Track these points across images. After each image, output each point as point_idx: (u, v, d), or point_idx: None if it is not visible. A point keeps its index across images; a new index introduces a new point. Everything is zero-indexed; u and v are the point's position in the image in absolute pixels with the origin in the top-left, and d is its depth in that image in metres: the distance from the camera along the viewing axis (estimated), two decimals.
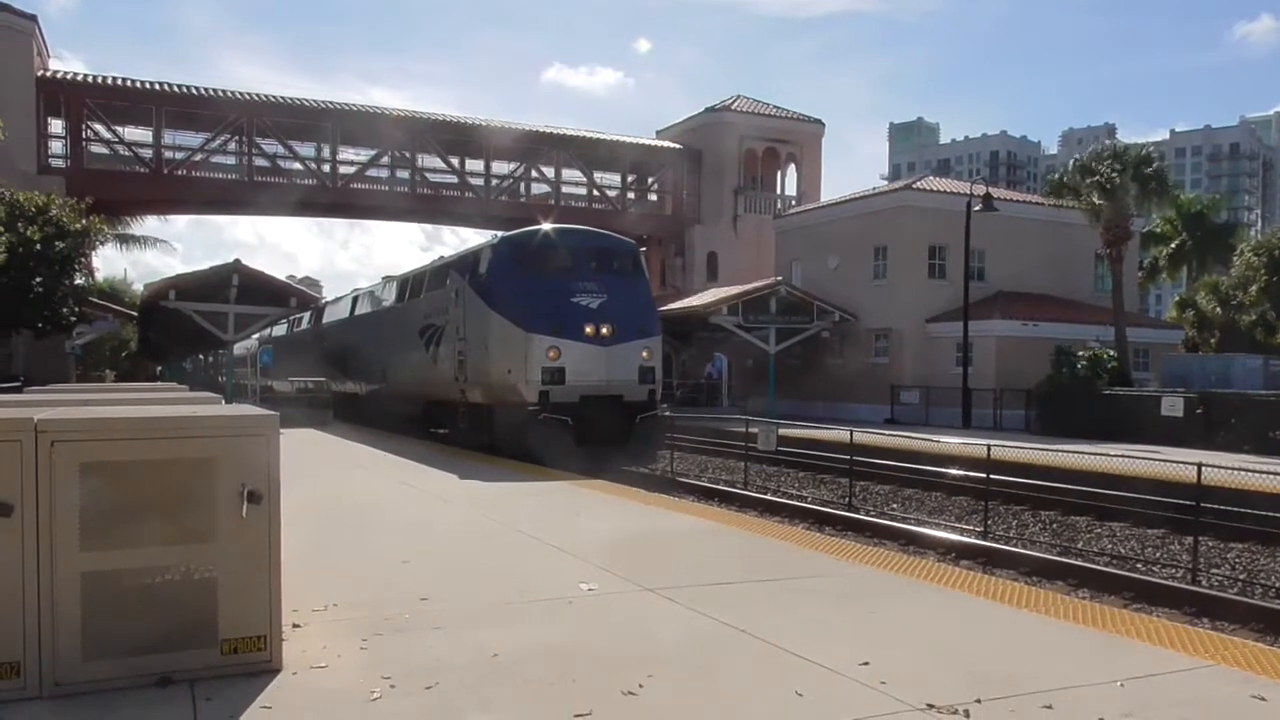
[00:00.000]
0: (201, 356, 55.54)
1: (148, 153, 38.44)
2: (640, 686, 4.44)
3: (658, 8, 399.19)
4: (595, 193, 45.58)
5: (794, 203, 47.20)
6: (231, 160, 40.47)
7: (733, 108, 48.05)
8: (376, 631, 5.32)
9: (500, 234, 19.31)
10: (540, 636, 5.29)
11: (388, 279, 26.94)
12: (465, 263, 19.39)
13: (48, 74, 37.22)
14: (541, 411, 16.20)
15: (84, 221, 25.31)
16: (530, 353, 16.46)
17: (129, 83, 38.34)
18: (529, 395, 16.36)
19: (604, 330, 16.75)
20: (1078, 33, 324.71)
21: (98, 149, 38.54)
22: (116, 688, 4.24)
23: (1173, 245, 48.87)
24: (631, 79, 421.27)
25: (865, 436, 18.59)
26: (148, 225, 46.35)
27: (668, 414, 19.33)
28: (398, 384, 23.56)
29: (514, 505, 10.76)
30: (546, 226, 18.99)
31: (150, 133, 38.55)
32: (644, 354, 17.23)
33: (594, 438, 16.19)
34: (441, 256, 22.45)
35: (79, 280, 26.87)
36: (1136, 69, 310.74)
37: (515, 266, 17.65)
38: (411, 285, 23.22)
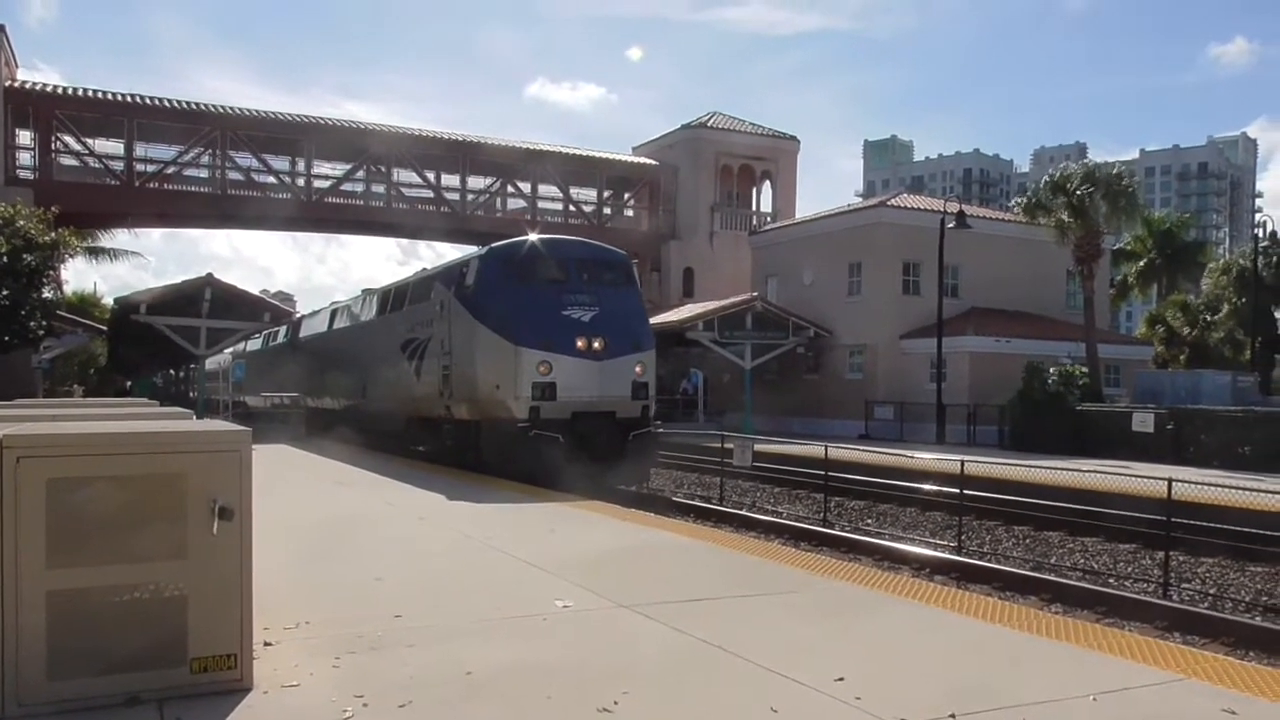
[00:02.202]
0: (173, 371, 55.03)
1: (119, 165, 38.15)
2: (615, 703, 4.42)
3: (639, 25, 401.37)
4: (572, 208, 45.66)
5: (769, 219, 47.45)
6: (205, 174, 40.21)
7: (709, 124, 48.30)
8: (350, 649, 5.26)
9: (489, 245, 18.68)
10: (515, 653, 5.25)
11: (368, 291, 26.42)
12: (451, 274, 18.79)
13: (16, 84, 36.87)
14: (531, 428, 15.70)
15: (53, 234, 25.02)
16: (520, 367, 15.94)
17: (99, 94, 38.07)
18: (518, 411, 15.86)
19: (596, 344, 16.25)
20: (1050, 52, 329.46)
21: (68, 161, 38.22)
22: (83, 708, 4.16)
23: (1143, 263, 49.54)
24: (615, 94, 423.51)
25: (840, 452, 18.65)
26: (119, 238, 45.89)
27: (661, 430, 18.90)
28: (378, 399, 23.04)
29: (491, 522, 10.71)
30: (536, 236, 18.41)
31: (121, 145, 38.27)
32: (638, 368, 16.73)
33: (586, 455, 15.59)
34: (425, 268, 22.03)
35: (47, 294, 26.50)
36: (1108, 89, 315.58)
37: (504, 278, 17.09)
38: (394, 297, 22.55)
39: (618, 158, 48.14)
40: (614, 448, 16.20)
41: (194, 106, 39.46)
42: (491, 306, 16.89)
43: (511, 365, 16.05)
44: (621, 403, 16.53)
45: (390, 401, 21.96)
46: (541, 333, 16.14)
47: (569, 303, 16.51)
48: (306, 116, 41.93)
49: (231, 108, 40.14)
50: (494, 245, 18.29)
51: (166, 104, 38.97)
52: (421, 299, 20.21)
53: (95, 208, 37.74)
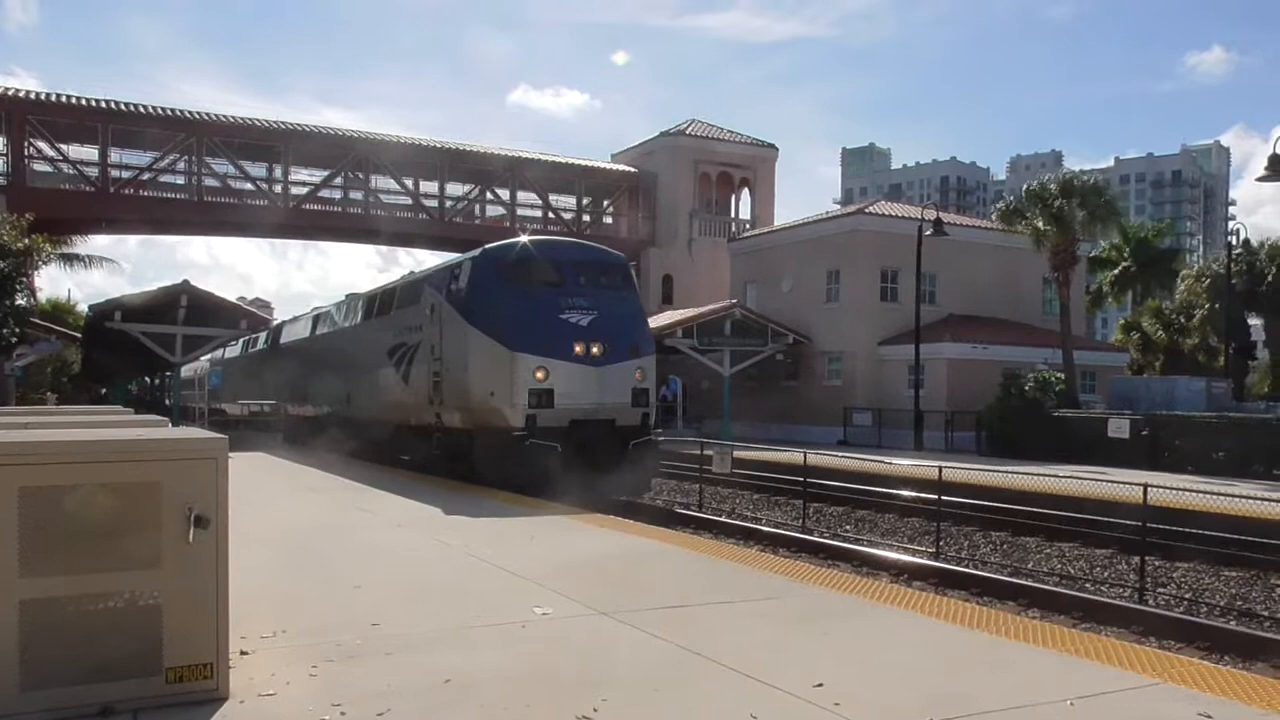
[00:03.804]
0: (148, 379, 54.55)
1: (94, 171, 37.84)
2: (595, 710, 4.41)
3: (621, 31, 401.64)
4: (551, 215, 45.67)
5: (748, 226, 47.60)
6: (182, 180, 39.95)
7: (687, 132, 48.42)
8: (327, 658, 5.23)
9: (483, 247, 18.11)
10: (494, 661, 5.23)
11: (353, 296, 25.95)
12: (442, 277, 18.28)
13: None
14: (528, 437, 15.21)
15: (26, 240, 24.76)
16: (516, 373, 15.41)
17: (74, 99, 37.75)
18: (514, 419, 15.36)
19: (595, 349, 15.75)
20: (1027, 61, 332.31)
21: (41, 167, 37.86)
22: (57, 718, 4.12)
23: (1118, 270, 49.94)
24: (598, 100, 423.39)
25: (818, 458, 18.66)
26: (95, 245, 45.47)
27: (662, 438, 18.53)
28: (364, 407, 22.40)
29: (472, 530, 10.67)
30: (530, 238, 17.95)
31: (97, 151, 37.95)
32: (637, 375, 16.28)
33: (584, 465, 15.04)
34: (412, 271, 21.68)
35: (20, 301, 26.22)
36: (1085, 97, 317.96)
37: (498, 280, 16.50)
38: (380, 302, 21.96)
39: (597, 165, 48.19)
40: (613, 457, 15.67)
41: (171, 112, 39.19)
42: (485, 310, 16.38)
43: (507, 371, 15.53)
44: (621, 410, 16.08)
45: (376, 409, 21.41)
46: (538, 337, 15.64)
47: (566, 306, 15.99)
48: (285, 122, 41.77)
49: (209, 114, 39.91)
50: (487, 246, 17.66)
51: (143, 109, 38.69)
52: (410, 303, 19.64)
53: (70, 214, 37.48)
